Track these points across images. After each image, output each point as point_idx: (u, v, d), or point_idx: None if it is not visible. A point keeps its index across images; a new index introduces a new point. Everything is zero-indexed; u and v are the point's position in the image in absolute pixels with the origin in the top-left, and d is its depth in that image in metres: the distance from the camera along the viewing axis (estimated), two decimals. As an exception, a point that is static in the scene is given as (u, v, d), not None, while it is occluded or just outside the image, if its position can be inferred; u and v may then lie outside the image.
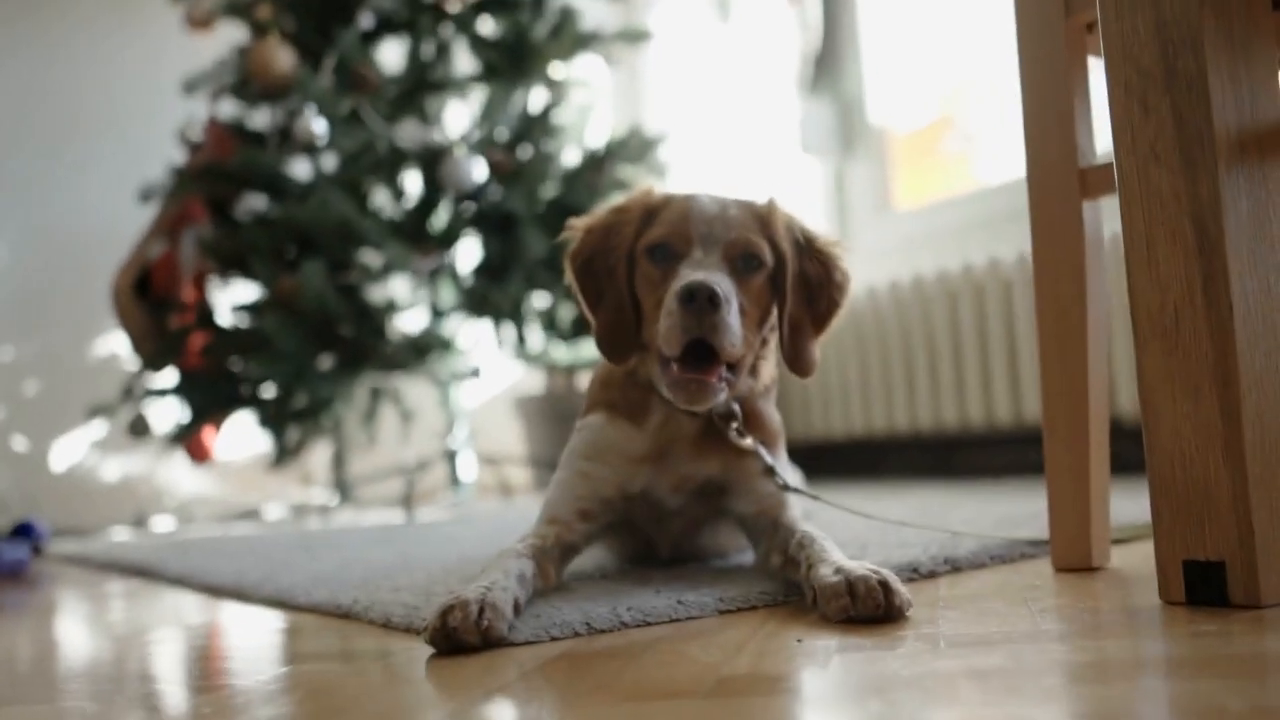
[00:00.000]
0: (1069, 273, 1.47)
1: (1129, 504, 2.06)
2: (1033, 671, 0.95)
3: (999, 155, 3.95)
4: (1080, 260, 1.46)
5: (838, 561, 1.27)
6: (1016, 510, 2.21)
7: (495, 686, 1.04)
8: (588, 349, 3.99)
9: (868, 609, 1.19)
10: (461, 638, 1.17)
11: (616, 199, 1.68)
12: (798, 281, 1.57)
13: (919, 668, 0.98)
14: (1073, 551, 1.48)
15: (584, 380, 4.80)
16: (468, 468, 3.83)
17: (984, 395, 3.42)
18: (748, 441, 1.54)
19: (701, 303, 1.40)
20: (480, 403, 4.68)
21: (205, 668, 1.33)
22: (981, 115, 4.09)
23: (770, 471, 1.55)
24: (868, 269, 4.07)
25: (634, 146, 3.71)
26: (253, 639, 1.52)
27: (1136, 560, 1.54)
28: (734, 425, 1.54)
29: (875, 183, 4.24)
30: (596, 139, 3.89)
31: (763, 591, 1.39)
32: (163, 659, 1.40)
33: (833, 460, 4.11)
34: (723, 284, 1.43)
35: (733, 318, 1.43)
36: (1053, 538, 1.50)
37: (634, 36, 3.97)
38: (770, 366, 1.64)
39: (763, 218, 1.56)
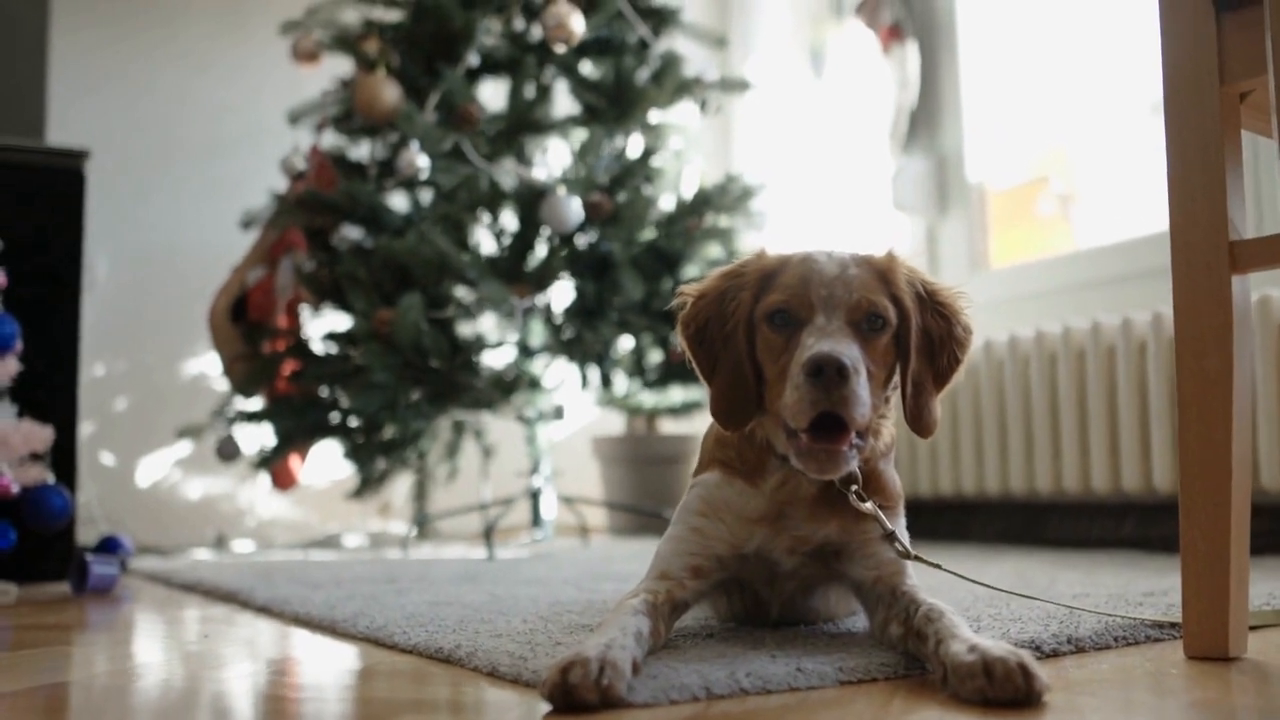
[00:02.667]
0: (1215, 348, 1.41)
1: (1265, 586, 1.97)
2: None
3: (1099, 218, 3.87)
4: (1228, 335, 1.40)
5: (971, 639, 1.22)
6: (1131, 584, 2.13)
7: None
8: (673, 395, 3.97)
9: (1006, 692, 1.13)
10: (581, 696, 1.14)
11: (727, 264, 1.64)
12: (921, 338, 1.53)
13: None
14: (1208, 639, 1.41)
15: (666, 425, 4.77)
16: (549, 507, 3.81)
17: (1080, 462, 3.33)
18: (868, 505, 1.50)
19: (830, 375, 1.36)
20: (557, 442, 4.67)
21: (312, 709, 1.31)
22: (1081, 176, 4.02)
23: (890, 537, 1.51)
24: (960, 327, 3.99)
25: (731, 194, 3.70)
26: (359, 682, 1.50)
27: (1274, 650, 1.46)
28: (854, 488, 1.50)
29: (970, 240, 4.18)
30: (691, 186, 3.88)
31: (883, 663, 1.34)
32: (263, 699, 1.38)
33: (915, 521, 4.01)
34: (850, 353, 1.39)
35: (862, 388, 1.39)
36: (1186, 623, 1.43)
37: (734, 86, 3.97)
38: (890, 426, 1.59)
39: (883, 273, 1.52)
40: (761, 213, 3.84)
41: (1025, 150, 4.16)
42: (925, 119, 4.33)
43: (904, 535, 1.55)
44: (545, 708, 1.17)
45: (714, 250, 3.68)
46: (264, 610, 2.22)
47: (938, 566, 1.54)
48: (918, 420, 1.52)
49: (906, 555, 1.50)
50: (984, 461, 3.64)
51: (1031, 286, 3.86)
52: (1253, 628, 1.58)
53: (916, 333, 1.51)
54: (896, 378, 1.54)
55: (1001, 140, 4.18)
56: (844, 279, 1.47)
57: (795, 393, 1.40)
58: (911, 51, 4.33)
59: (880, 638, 1.47)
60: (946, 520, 3.92)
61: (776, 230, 4.63)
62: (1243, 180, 1.45)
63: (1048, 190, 4.18)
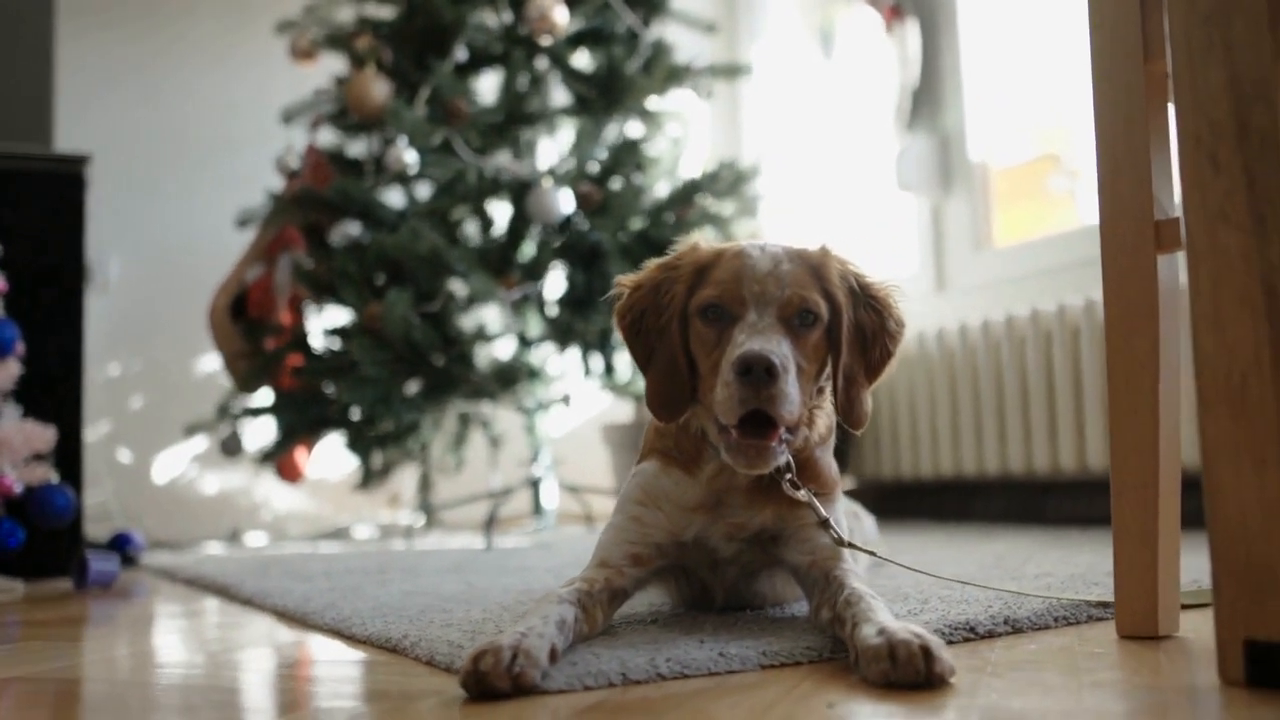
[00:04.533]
0: (1141, 328, 1.41)
1: (1202, 563, 1.96)
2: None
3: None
4: (1154, 316, 1.40)
5: (882, 622, 1.24)
6: (1097, 565, 2.13)
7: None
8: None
9: (907, 675, 1.15)
10: (492, 683, 1.16)
11: (665, 256, 1.63)
12: (853, 332, 1.53)
13: (946, 745, 0.95)
14: (1138, 619, 1.42)
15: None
16: (550, 495, 3.85)
17: (1077, 440, 3.31)
18: (801, 494, 1.51)
19: (759, 374, 1.38)
20: (566, 431, 4.69)
21: (243, 701, 1.35)
22: (1085, 152, 3.98)
23: (825, 524, 1.52)
24: (962, 307, 3.98)
25: (725, 180, 3.70)
26: (293, 673, 1.53)
27: (1206, 630, 1.46)
28: (788, 476, 1.51)
29: (974, 219, 4.15)
30: (689, 172, 3.88)
31: (808, 647, 1.35)
32: (197, 691, 1.42)
33: (920, 501, 4.02)
34: (780, 351, 1.41)
35: (791, 386, 1.40)
36: (1117, 603, 1.44)
37: (729, 72, 3.97)
38: (826, 416, 1.60)
39: (817, 268, 1.53)
40: (758, 196, 3.84)
41: (1028, 128, 4.12)
42: (927, 98, 4.31)
43: (843, 520, 1.57)
44: (463, 695, 1.19)
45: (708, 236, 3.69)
46: (248, 603, 2.27)
47: (871, 554, 1.55)
48: (849, 413, 1.53)
49: (840, 542, 1.51)
50: (983, 441, 3.63)
51: (1035, 264, 3.84)
52: (1193, 606, 1.58)
53: (848, 327, 1.52)
54: (829, 371, 1.54)
55: (1004, 118, 4.15)
56: (776, 275, 1.48)
57: (725, 390, 1.41)
58: (912, 30, 4.31)
59: (815, 622, 1.49)
60: (949, 501, 3.92)
61: (783, 212, 4.63)
62: (1169, 159, 1.44)
63: (1058, 167, 4.15)
